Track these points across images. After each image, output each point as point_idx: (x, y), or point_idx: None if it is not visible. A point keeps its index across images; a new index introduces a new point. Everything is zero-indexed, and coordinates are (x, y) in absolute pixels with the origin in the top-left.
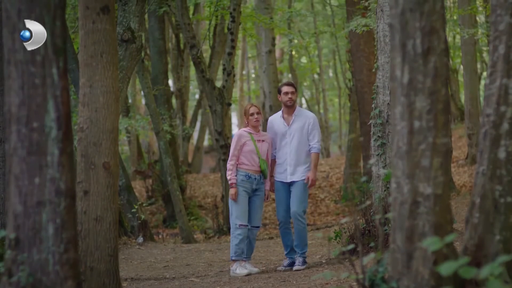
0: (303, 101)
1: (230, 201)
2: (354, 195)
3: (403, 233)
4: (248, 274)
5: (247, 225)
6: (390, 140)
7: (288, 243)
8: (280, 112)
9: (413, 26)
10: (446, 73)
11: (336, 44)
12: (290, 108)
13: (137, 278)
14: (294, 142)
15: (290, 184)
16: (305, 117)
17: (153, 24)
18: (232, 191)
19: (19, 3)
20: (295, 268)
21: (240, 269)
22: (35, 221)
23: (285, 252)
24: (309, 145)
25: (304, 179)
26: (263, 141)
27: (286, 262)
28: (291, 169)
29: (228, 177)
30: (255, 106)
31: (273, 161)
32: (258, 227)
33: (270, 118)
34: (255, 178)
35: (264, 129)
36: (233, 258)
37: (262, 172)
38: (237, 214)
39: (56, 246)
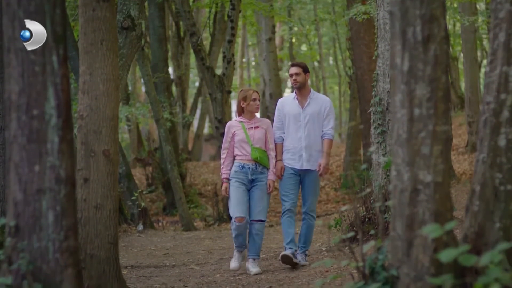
0: None
1: (229, 195)
2: (354, 183)
3: (403, 220)
4: (238, 269)
5: (243, 217)
6: (390, 128)
7: (291, 232)
8: (292, 94)
9: (413, 13)
10: (446, 60)
11: (336, 32)
12: (300, 90)
13: (137, 266)
14: (309, 126)
15: (303, 172)
16: (321, 101)
17: (153, 12)
18: (222, 186)
19: None
20: (299, 263)
21: (232, 263)
22: (35, 208)
23: (286, 242)
24: (322, 130)
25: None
26: (257, 127)
27: (288, 251)
28: (306, 155)
29: (220, 172)
30: (257, 92)
31: (280, 145)
32: (260, 221)
33: (281, 100)
34: (249, 168)
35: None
36: (235, 249)
37: (256, 161)
38: (232, 207)
39: (56, 233)
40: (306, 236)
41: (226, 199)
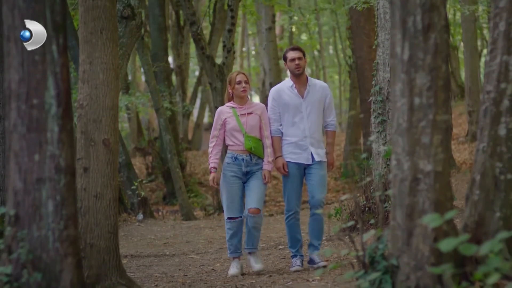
0: None
1: (220, 190)
2: (354, 172)
3: (403, 210)
4: (237, 275)
5: (238, 217)
6: (390, 117)
7: (299, 238)
8: (287, 82)
9: (414, 2)
10: (447, 49)
11: (336, 21)
12: (300, 77)
13: (137, 255)
14: (312, 117)
15: (307, 166)
16: (321, 88)
17: (153, 1)
18: (210, 176)
19: None
20: (318, 265)
21: (231, 269)
22: (35, 198)
23: (293, 250)
24: (325, 121)
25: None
26: (250, 114)
27: (298, 261)
28: (314, 149)
29: (208, 161)
30: (243, 73)
31: (278, 138)
32: (257, 210)
33: (276, 89)
34: (243, 159)
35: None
36: (228, 256)
37: (251, 152)
38: (226, 206)
39: (56, 223)
40: (318, 231)
41: (218, 191)
